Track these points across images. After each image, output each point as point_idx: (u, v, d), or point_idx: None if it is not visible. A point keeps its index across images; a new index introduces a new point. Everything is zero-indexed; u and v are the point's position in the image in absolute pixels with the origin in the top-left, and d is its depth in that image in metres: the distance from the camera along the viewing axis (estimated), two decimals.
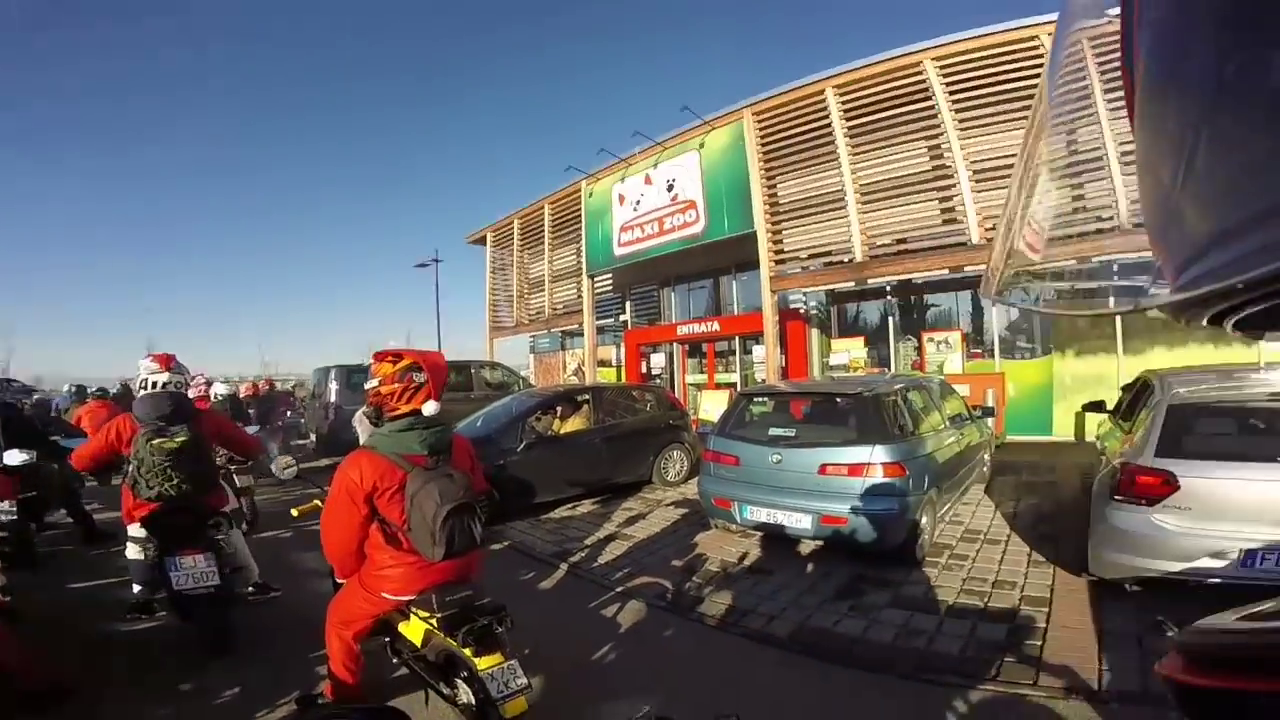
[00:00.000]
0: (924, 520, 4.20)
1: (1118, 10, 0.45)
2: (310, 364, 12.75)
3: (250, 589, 3.93)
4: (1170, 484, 3.21)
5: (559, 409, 7.05)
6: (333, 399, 10.42)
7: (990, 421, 6.40)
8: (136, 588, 3.68)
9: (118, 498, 3.55)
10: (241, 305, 72.70)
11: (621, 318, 15.25)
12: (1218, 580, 3.09)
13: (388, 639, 2.60)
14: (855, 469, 4.11)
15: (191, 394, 4.12)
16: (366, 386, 2.35)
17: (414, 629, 2.36)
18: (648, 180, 11.96)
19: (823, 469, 4.22)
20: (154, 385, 3.47)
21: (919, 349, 9.95)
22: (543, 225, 15.32)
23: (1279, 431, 3.42)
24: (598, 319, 14.36)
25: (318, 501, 2.50)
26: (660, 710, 1.25)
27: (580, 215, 13.66)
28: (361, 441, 2.41)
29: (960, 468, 5.09)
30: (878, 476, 4.04)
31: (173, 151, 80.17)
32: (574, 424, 6.84)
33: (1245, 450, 3.26)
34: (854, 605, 3.63)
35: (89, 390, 10.94)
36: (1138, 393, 4.58)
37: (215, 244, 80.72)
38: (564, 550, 5.01)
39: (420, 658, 2.41)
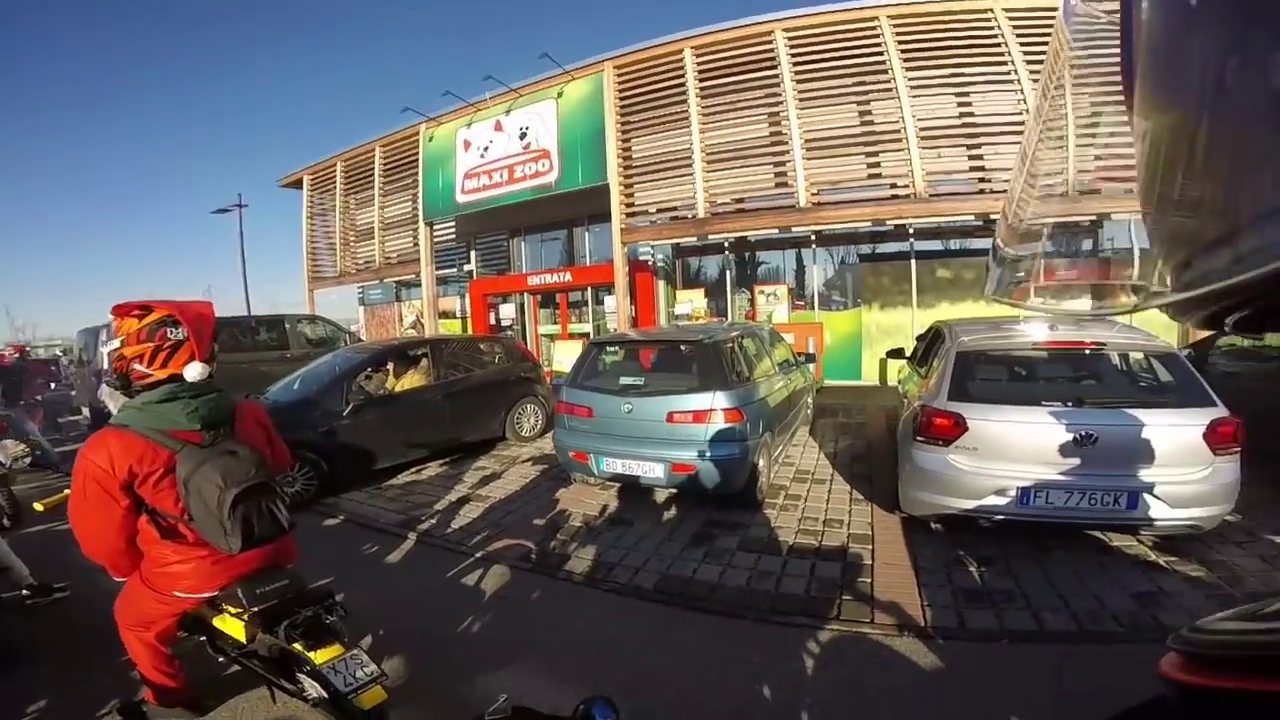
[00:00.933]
0: (761, 463, 4.54)
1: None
2: (76, 327, 10.49)
3: (25, 591, 3.28)
4: (960, 425, 3.44)
5: (392, 365, 6.51)
6: (106, 365, 8.65)
7: (811, 367, 7.09)
8: None
9: None
10: None
11: (466, 268, 14.41)
12: (1002, 517, 3.33)
13: (203, 637, 2.26)
14: (699, 415, 4.28)
15: None
16: (107, 350, 1.96)
17: (233, 625, 2.07)
18: (498, 127, 11.30)
19: (670, 416, 4.35)
20: None
21: (751, 300, 10.71)
22: (372, 169, 13.84)
23: (1042, 378, 3.99)
24: (438, 269, 13.46)
25: (67, 490, 2.02)
26: (523, 694, 1.19)
27: (418, 160, 12.60)
28: (113, 417, 1.97)
29: (789, 411, 5.55)
30: (719, 422, 4.25)
31: None
32: (411, 380, 6.37)
33: (1017, 395, 3.65)
34: (708, 552, 3.82)
35: None
36: (931, 341, 5.13)
37: None
38: (410, 518, 4.72)
39: (250, 653, 2.12)
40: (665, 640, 2.90)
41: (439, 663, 2.73)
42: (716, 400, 4.28)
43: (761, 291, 10.54)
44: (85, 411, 10.02)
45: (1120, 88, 0.46)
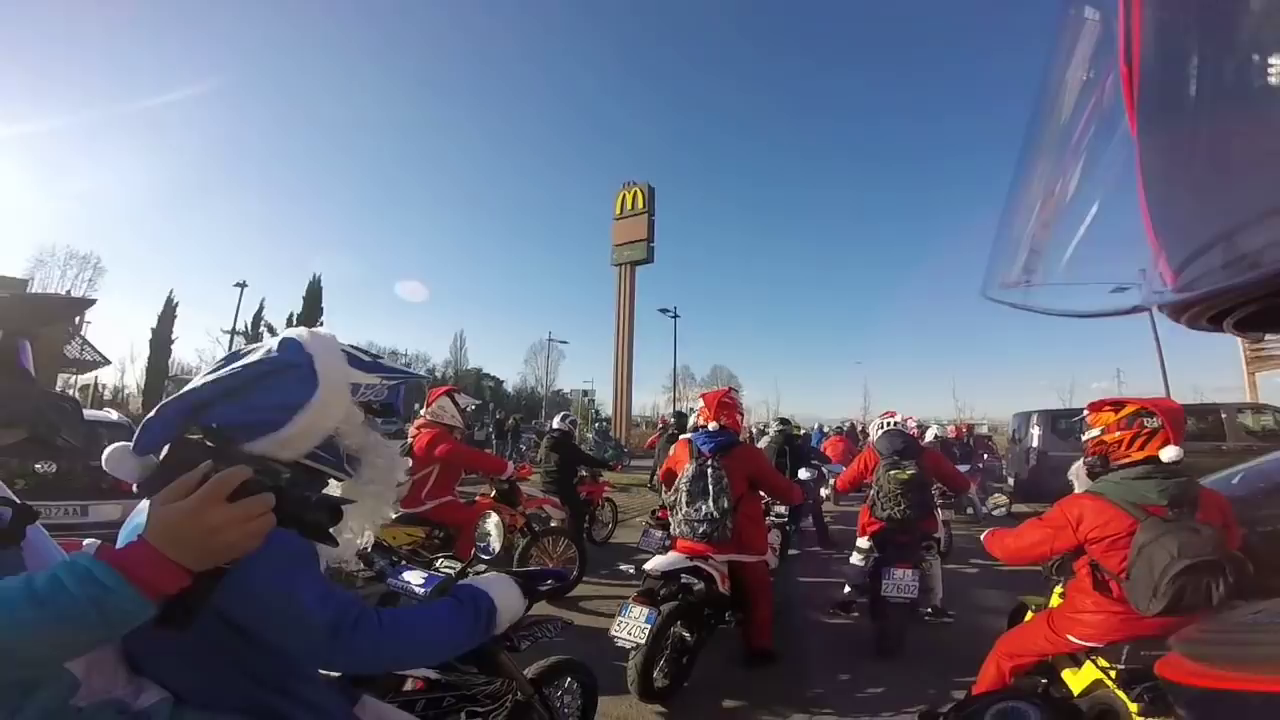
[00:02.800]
0: None
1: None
2: (1004, 408, 12.77)
3: (928, 610, 4.08)
4: None
5: None
6: (1034, 444, 10.10)
7: None
8: (846, 589, 4.26)
9: None
10: (940, 351, 77.39)
11: None
12: None
13: (1044, 680, 2.45)
14: None
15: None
16: (1085, 437, 2.32)
17: (1081, 677, 2.21)
18: None
19: None
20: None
21: None
22: None
23: None
24: None
25: None
26: None
27: None
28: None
29: None
30: None
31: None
32: None
33: None
34: None
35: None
36: None
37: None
38: None
39: (1073, 711, 2.20)
40: None
41: None
42: None
43: None
44: (1010, 481, 11.68)
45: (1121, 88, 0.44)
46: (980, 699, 2.29)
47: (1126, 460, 2.18)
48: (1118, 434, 2.20)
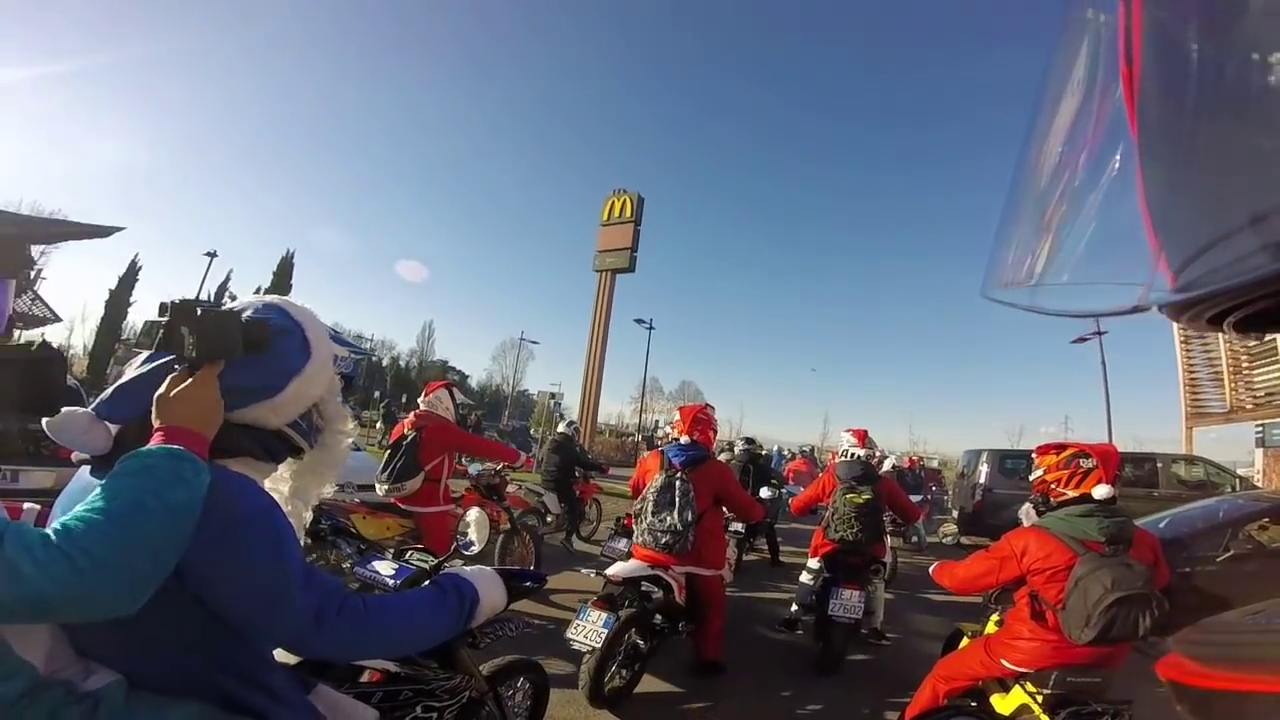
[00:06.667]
0: None
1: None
2: (955, 444, 13.15)
3: (867, 632, 4.22)
4: None
5: None
6: (982, 480, 10.45)
7: None
8: (794, 607, 4.38)
9: None
10: (899, 383, 79.34)
11: None
12: None
13: (974, 703, 2.56)
14: None
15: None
16: (1031, 477, 2.50)
17: (1009, 701, 2.34)
18: None
19: None
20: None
21: None
22: None
23: None
24: None
25: None
26: None
27: None
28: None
29: None
30: None
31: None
32: None
33: None
34: None
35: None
36: None
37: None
38: None
39: None
40: None
41: None
42: None
43: None
44: (954, 513, 12.07)
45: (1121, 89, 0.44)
46: (926, 716, 2.45)
47: (1064, 498, 2.34)
48: (1057, 473, 2.37)
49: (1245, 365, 12.11)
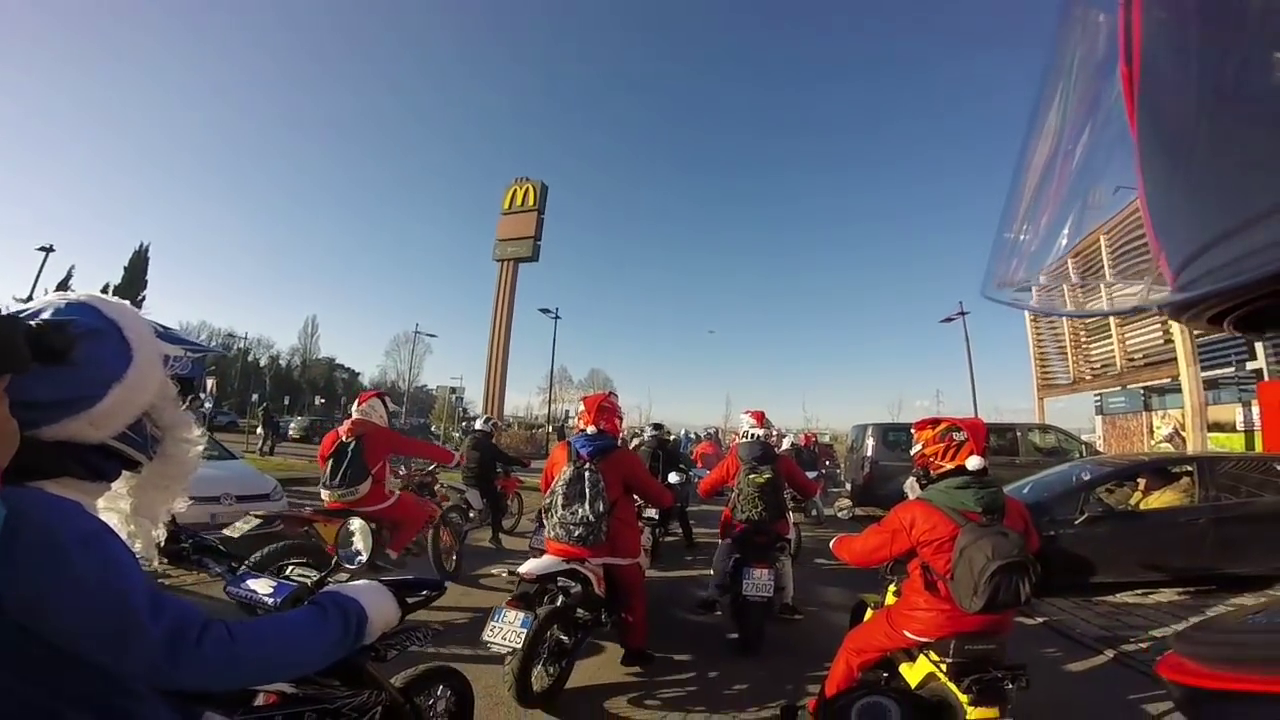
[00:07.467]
0: None
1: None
2: (844, 419, 13.92)
3: (779, 608, 4.26)
4: None
5: (1142, 480, 5.88)
6: (869, 453, 11.15)
7: None
8: (710, 589, 4.36)
9: None
10: (792, 362, 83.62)
11: (1251, 365, 11.02)
12: None
13: (885, 674, 2.69)
14: None
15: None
16: (912, 452, 2.61)
17: (916, 670, 2.43)
18: None
19: None
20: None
21: None
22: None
23: None
24: (1204, 368, 10.85)
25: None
26: None
27: None
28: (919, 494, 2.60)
29: None
30: None
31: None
32: (1163, 499, 5.53)
33: None
34: None
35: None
36: None
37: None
38: (1114, 636, 4.26)
39: (911, 695, 2.45)
40: None
41: None
42: None
43: None
44: (847, 486, 12.70)
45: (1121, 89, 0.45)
46: (843, 695, 2.48)
47: (942, 470, 2.47)
48: (934, 446, 2.50)
49: (1084, 340, 13.77)
